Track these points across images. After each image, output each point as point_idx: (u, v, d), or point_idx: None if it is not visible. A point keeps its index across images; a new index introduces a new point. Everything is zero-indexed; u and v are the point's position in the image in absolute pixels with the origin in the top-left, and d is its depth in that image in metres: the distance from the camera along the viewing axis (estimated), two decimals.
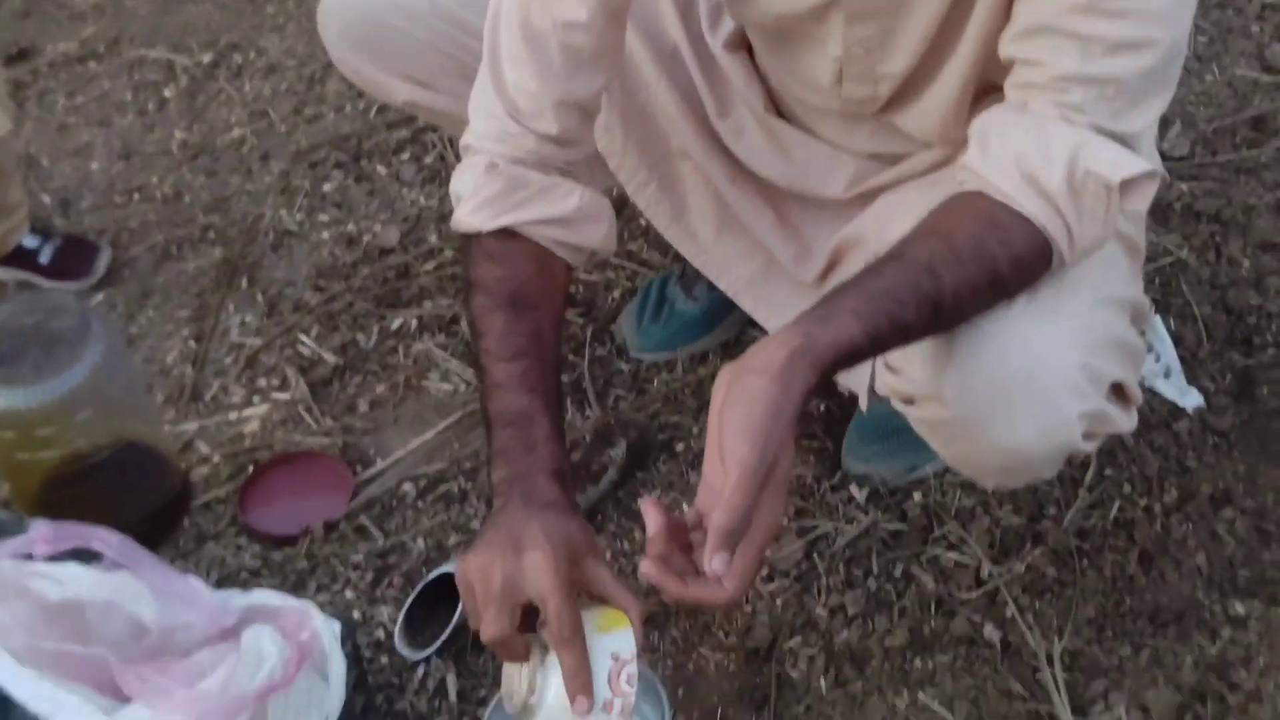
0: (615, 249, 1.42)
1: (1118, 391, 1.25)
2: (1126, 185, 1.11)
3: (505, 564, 1.07)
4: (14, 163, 1.98)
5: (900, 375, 1.25)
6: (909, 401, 1.25)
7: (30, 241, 1.97)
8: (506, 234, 1.30)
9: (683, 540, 1.05)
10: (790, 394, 1.00)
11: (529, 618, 1.09)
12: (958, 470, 1.39)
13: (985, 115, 1.18)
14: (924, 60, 1.29)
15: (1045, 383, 1.17)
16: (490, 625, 1.06)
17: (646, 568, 1.01)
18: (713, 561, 0.97)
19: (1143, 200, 1.13)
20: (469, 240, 1.32)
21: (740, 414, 0.99)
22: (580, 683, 1.05)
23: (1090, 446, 1.23)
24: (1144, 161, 1.11)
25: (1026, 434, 1.18)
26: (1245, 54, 2.24)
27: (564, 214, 1.29)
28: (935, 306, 1.09)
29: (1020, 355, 1.16)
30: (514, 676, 1.09)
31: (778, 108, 1.53)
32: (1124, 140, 1.11)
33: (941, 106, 1.32)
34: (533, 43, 1.26)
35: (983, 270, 1.11)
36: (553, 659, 1.06)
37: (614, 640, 1.07)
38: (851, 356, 1.06)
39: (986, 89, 1.29)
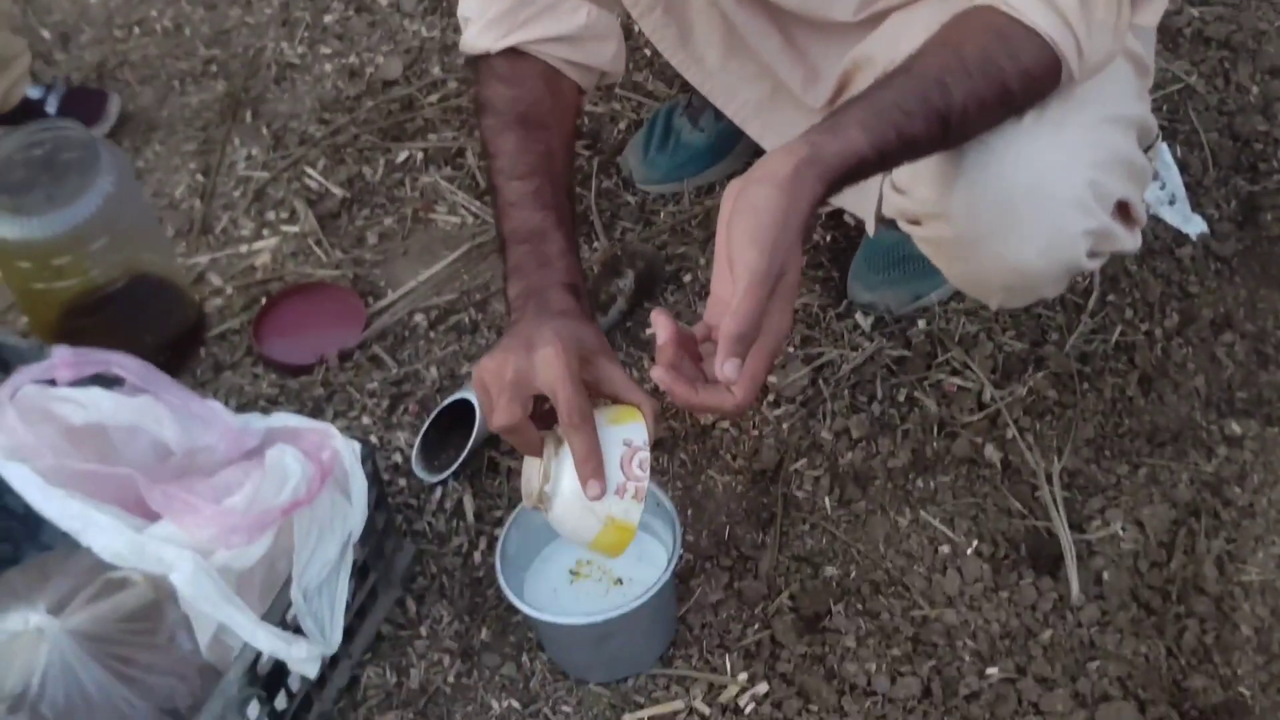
0: (623, 71, 1.41)
1: (1123, 210, 1.24)
2: None
3: (517, 359, 1.09)
4: (8, 4, 1.93)
5: (907, 195, 1.25)
6: (915, 222, 1.25)
7: (34, 93, 1.92)
8: (514, 54, 1.29)
9: (692, 351, 1.07)
10: (797, 203, 1.00)
11: (547, 417, 1.11)
12: (963, 290, 1.39)
13: None
14: None
15: (1051, 200, 1.16)
16: (502, 413, 1.09)
17: (658, 373, 1.03)
18: (724, 366, 0.98)
19: (1153, 14, 1.12)
20: (478, 62, 1.30)
21: (748, 223, 0.99)
22: (591, 467, 1.08)
23: (1094, 265, 1.23)
24: None
25: (1031, 251, 1.18)
26: None
27: (570, 31, 1.29)
28: (943, 120, 1.08)
29: (1026, 172, 1.16)
30: (531, 470, 1.11)
31: None
32: None
33: None
34: None
35: (991, 84, 1.10)
36: (566, 450, 1.08)
37: (626, 430, 1.10)
38: (859, 169, 1.05)
39: None
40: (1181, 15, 1.94)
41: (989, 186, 1.16)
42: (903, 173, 1.24)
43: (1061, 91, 1.15)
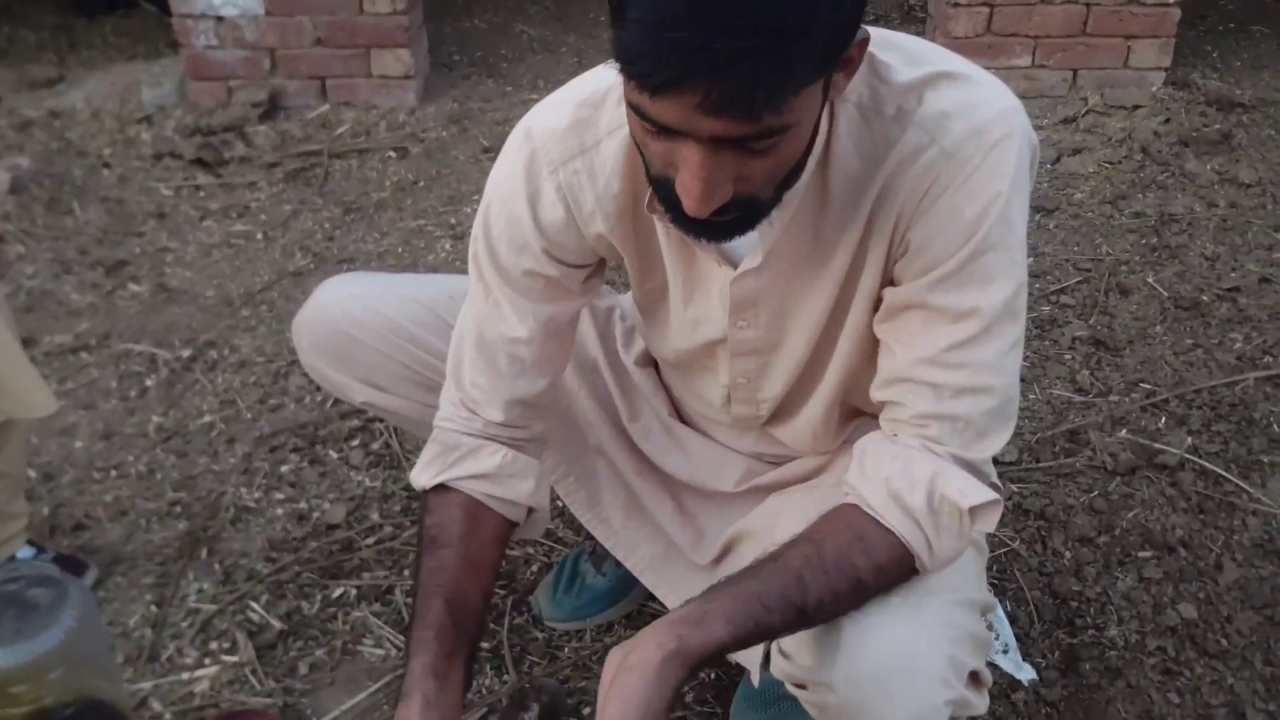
0: (548, 504, 1.46)
1: (973, 678, 1.31)
2: (975, 510, 1.19)
3: None
4: (24, 468, 1.95)
5: (794, 662, 1.29)
6: (800, 686, 1.29)
7: (24, 553, 1.91)
8: (443, 489, 1.39)
9: None
10: (662, 690, 1.09)
11: None
12: None
13: (864, 440, 1.27)
14: (795, 388, 1.40)
15: (918, 675, 1.21)
16: None
17: None
18: None
19: (988, 523, 1.20)
20: (423, 500, 1.40)
21: (617, 709, 1.08)
22: None
23: None
24: (990, 491, 1.19)
25: (901, 719, 1.22)
26: (1060, 377, 2.41)
27: (488, 470, 1.38)
28: (799, 611, 1.17)
29: (897, 651, 1.21)
30: None
31: (680, 414, 1.63)
32: (975, 466, 1.20)
33: (812, 424, 1.43)
34: (484, 351, 1.38)
35: (845, 579, 1.18)
36: None
37: None
38: (719, 653, 1.15)
39: (852, 413, 1.40)
40: (1004, 491, 2.09)
41: (865, 664, 1.21)
42: (789, 643, 1.30)
43: (918, 579, 1.23)
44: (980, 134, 1.15)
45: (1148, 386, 2.37)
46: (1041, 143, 3.24)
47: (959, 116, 1.15)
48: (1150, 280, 2.71)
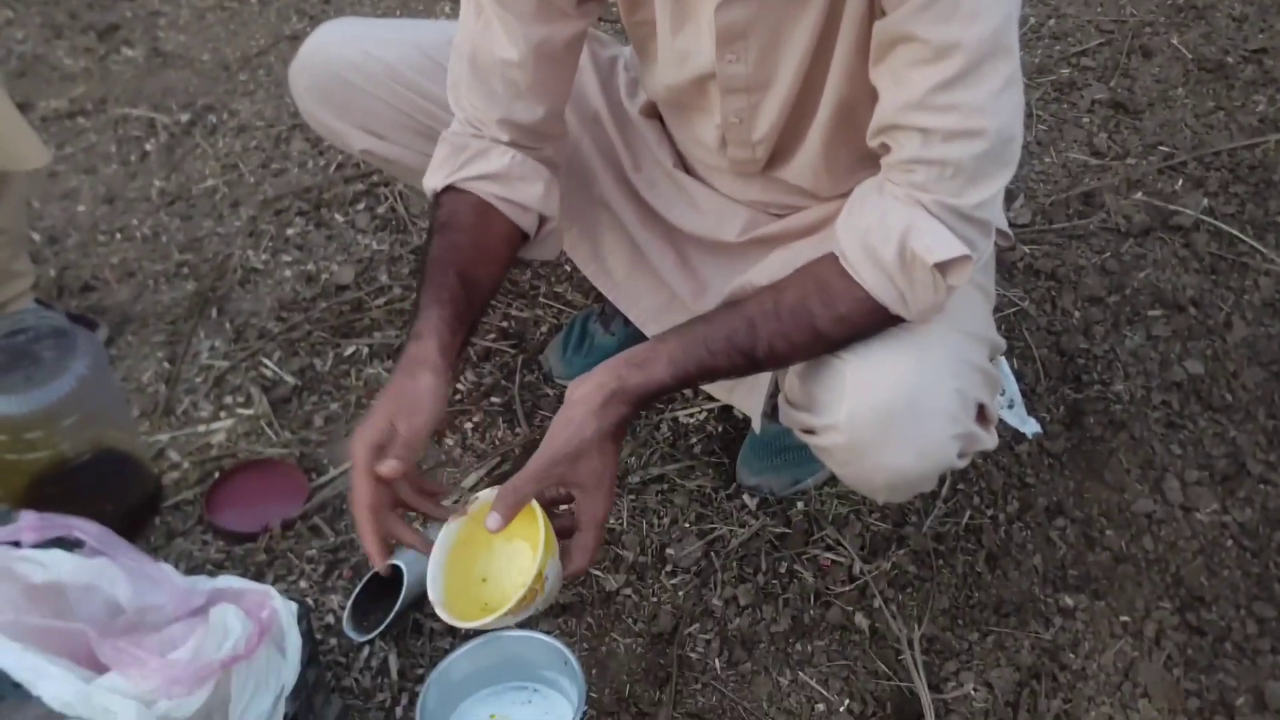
0: (556, 213, 1.42)
1: (980, 412, 1.30)
2: (944, 266, 1.15)
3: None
4: (25, 225, 1.90)
5: (802, 411, 1.28)
6: (810, 431, 1.29)
7: None
8: (454, 190, 1.36)
9: None
10: (600, 424, 1.17)
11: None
12: (852, 488, 1.42)
13: (859, 187, 1.23)
14: (789, 127, 1.34)
15: (924, 411, 1.20)
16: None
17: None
18: (488, 520, 1.15)
19: (959, 278, 1.17)
20: (434, 202, 1.37)
21: (558, 432, 1.18)
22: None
23: (963, 463, 1.27)
24: (960, 246, 1.14)
25: (910, 456, 1.22)
26: (1077, 140, 2.33)
27: (496, 170, 1.35)
28: (747, 355, 1.20)
29: (903, 389, 1.20)
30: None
31: (684, 165, 1.57)
32: (964, 213, 1.15)
33: (812, 163, 1.37)
34: (478, 74, 1.33)
35: (801, 327, 1.20)
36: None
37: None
38: (660, 393, 1.21)
39: (865, 157, 1.34)
40: (1015, 252, 2.05)
41: (871, 402, 1.20)
42: (796, 391, 1.30)
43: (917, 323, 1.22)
44: None
45: (1166, 149, 2.29)
46: None
47: None
48: (1174, 42, 2.58)
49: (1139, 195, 2.17)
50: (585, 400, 1.18)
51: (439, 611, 1.15)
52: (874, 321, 1.20)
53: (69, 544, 1.26)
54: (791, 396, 1.31)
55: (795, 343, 1.21)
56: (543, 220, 1.41)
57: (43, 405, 1.44)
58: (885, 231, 1.15)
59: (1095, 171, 2.25)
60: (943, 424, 1.22)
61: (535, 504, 1.16)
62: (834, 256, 1.20)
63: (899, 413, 1.20)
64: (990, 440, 1.30)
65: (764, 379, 1.47)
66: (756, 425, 1.49)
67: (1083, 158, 2.28)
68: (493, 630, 1.22)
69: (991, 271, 1.48)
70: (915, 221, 1.14)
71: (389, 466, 1.16)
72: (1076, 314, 1.95)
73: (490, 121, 1.34)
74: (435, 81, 1.46)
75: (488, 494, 1.19)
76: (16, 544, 1.25)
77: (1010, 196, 2.18)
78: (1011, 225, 2.09)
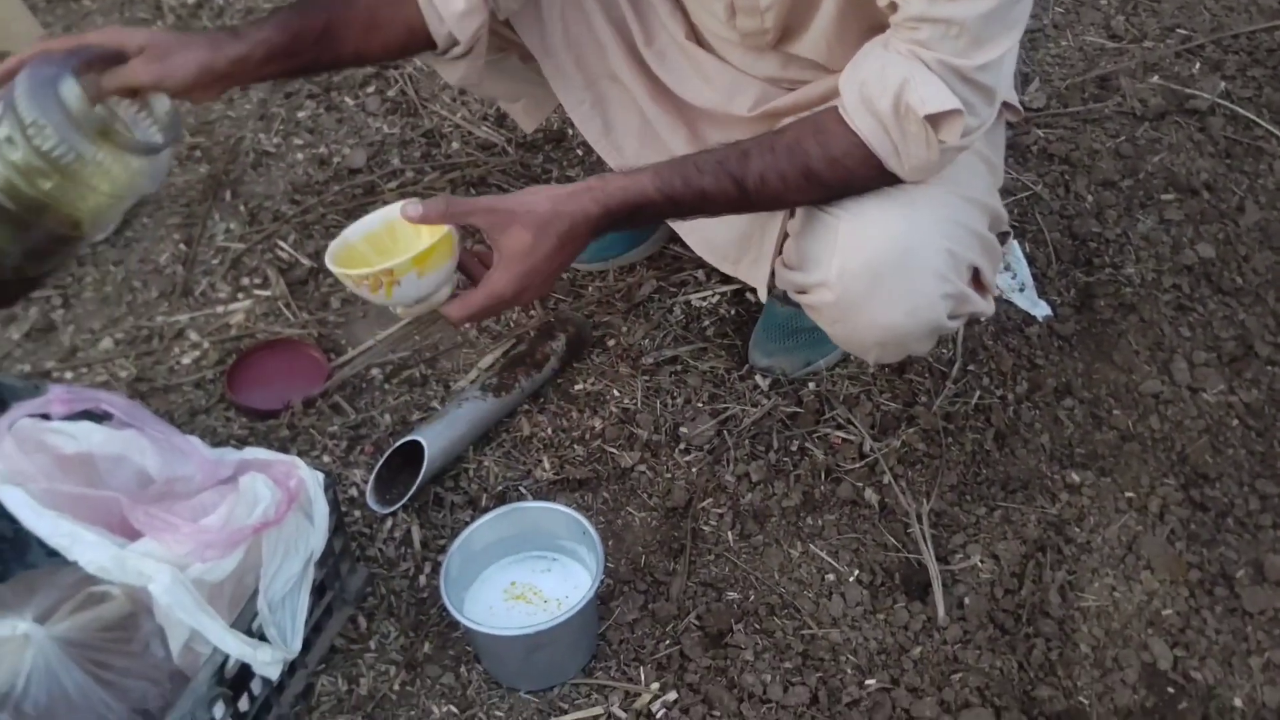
0: (468, 43, 1.38)
1: (976, 277, 1.30)
2: (935, 118, 1.14)
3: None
4: None
5: (795, 271, 1.30)
6: (802, 291, 1.30)
7: None
8: None
9: None
10: (558, 205, 1.16)
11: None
12: (843, 348, 1.44)
13: (866, 44, 1.22)
14: None
15: (913, 268, 1.21)
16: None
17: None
18: (404, 206, 1.15)
19: (950, 134, 1.16)
20: None
21: (520, 194, 1.18)
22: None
23: (955, 325, 1.29)
24: (953, 100, 1.13)
25: (899, 313, 1.23)
26: (1094, 24, 2.28)
27: None
28: (736, 181, 1.19)
29: (892, 245, 1.21)
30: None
31: (697, 37, 1.55)
32: (966, 74, 1.14)
33: (826, 36, 1.35)
34: None
35: (793, 163, 1.19)
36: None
37: None
38: (644, 204, 1.18)
39: (873, 26, 1.32)
40: (1029, 135, 2.03)
41: (860, 258, 1.22)
42: (791, 253, 1.30)
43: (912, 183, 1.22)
44: None
45: (1184, 32, 2.25)
46: None
47: None
48: None
49: (1155, 79, 2.14)
50: (557, 189, 1.18)
51: (328, 259, 1.21)
52: (867, 171, 1.20)
53: (97, 416, 1.28)
54: (788, 258, 1.32)
55: (787, 179, 1.20)
56: (453, 43, 1.37)
57: None
58: (883, 83, 1.15)
59: (1112, 55, 2.21)
60: (932, 281, 1.22)
61: (454, 231, 1.16)
62: (835, 107, 1.20)
63: (888, 269, 1.21)
64: (985, 306, 1.31)
65: (768, 250, 1.47)
66: (762, 295, 1.50)
67: (1099, 41, 2.24)
68: (350, 290, 1.21)
69: (1000, 147, 1.47)
70: (913, 75, 1.14)
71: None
72: (1089, 198, 1.94)
73: None
74: None
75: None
76: (46, 416, 1.27)
77: (1025, 80, 2.15)
78: (1026, 109, 2.07)
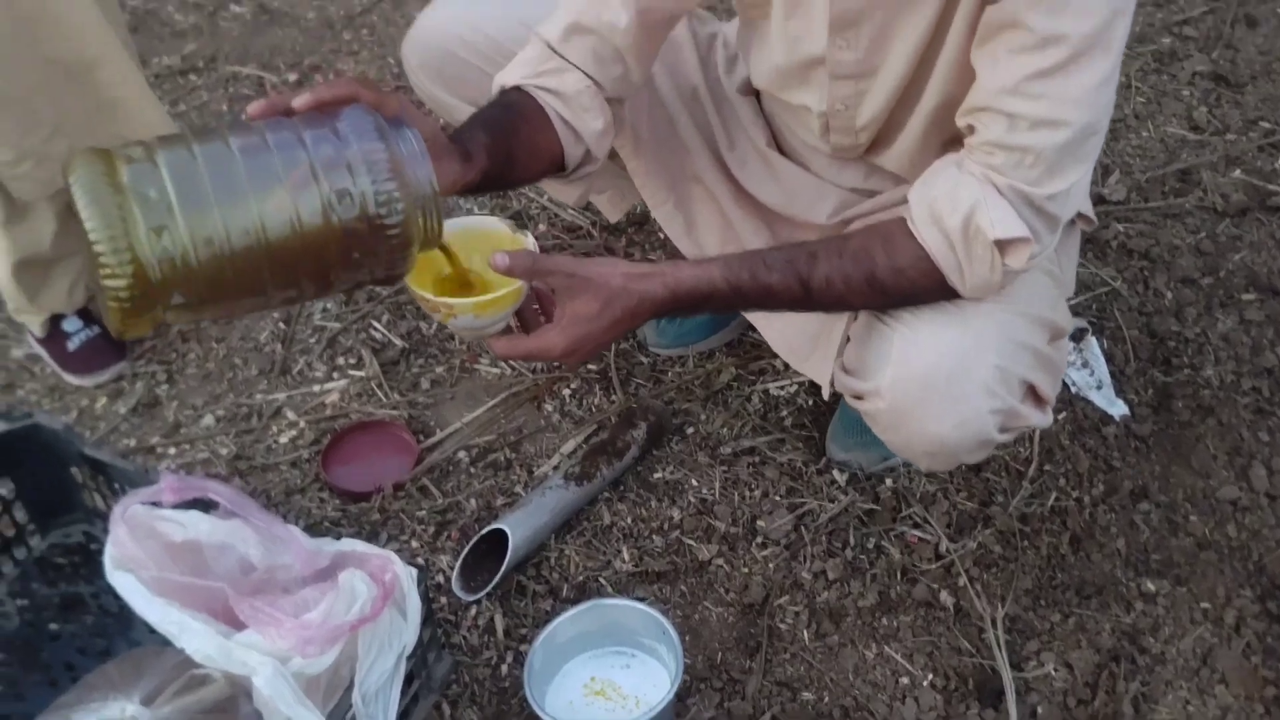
0: (600, 157, 1.43)
1: (1032, 392, 1.32)
2: (1003, 244, 1.17)
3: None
4: None
5: (852, 376, 1.34)
6: (858, 397, 1.33)
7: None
8: (521, 91, 1.38)
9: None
10: (630, 284, 1.20)
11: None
12: (897, 454, 1.46)
13: (939, 160, 1.26)
14: (893, 116, 1.36)
15: (963, 382, 1.24)
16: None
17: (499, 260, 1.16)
18: (495, 258, 1.16)
19: (1017, 259, 1.19)
20: (499, 92, 1.39)
21: (595, 262, 1.21)
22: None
23: (1006, 438, 1.31)
24: (1022, 228, 1.16)
25: (947, 426, 1.26)
26: (1176, 115, 2.30)
27: (566, 90, 1.37)
28: (803, 282, 1.22)
29: (943, 357, 1.24)
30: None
31: (779, 144, 1.59)
32: (1035, 202, 1.17)
33: (910, 151, 1.39)
34: (581, 26, 1.37)
35: (859, 268, 1.22)
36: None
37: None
38: (711, 294, 1.22)
39: (955, 140, 1.35)
40: (1109, 230, 2.04)
41: (912, 370, 1.25)
42: (851, 355, 1.34)
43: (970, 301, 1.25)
44: None
45: (1267, 125, 2.25)
46: None
47: None
48: None
49: (1237, 173, 2.14)
50: (629, 268, 1.21)
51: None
52: (930, 284, 1.23)
53: (205, 505, 1.34)
54: (847, 361, 1.36)
55: (851, 283, 1.23)
56: (585, 159, 1.42)
57: None
58: (954, 202, 1.18)
59: (1193, 147, 2.22)
60: (981, 397, 1.25)
61: (526, 285, 1.20)
62: (903, 218, 1.24)
63: (938, 383, 1.24)
64: (1041, 420, 1.33)
65: (832, 350, 1.49)
66: (825, 392, 1.52)
67: (1181, 132, 2.25)
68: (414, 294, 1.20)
69: (1073, 257, 1.49)
70: (985, 199, 1.17)
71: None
72: (1169, 295, 1.94)
73: (576, 59, 1.37)
74: None
75: (498, 224, 1.25)
76: (157, 504, 1.34)
77: (1105, 172, 2.16)
78: (1105, 202, 2.09)
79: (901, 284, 1.23)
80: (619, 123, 1.47)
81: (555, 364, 1.76)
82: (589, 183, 1.49)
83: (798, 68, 1.37)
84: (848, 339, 1.40)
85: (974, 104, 1.19)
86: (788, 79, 1.42)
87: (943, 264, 1.20)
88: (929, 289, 1.24)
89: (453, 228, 1.22)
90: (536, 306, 1.27)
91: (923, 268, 1.22)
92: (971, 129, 1.20)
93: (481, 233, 1.26)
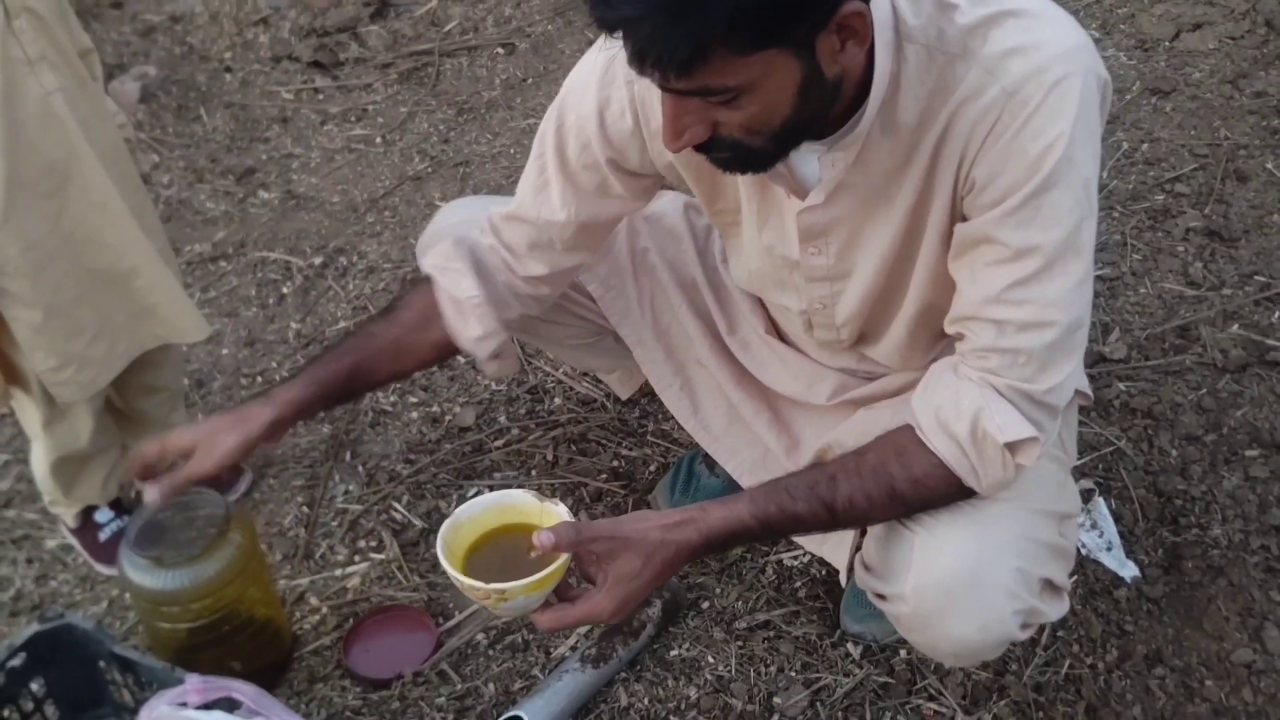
0: (490, 353, 1.56)
1: (1049, 585, 1.35)
2: (1013, 445, 1.22)
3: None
4: (182, 383, 2.09)
5: (874, 575, 1.37)
6: (880, 597, 1.37)
7: None
8: (428, 281, 1.55)
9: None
10: (666, 535, 1.26)
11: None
12: (920, 651, 1.48)
13: (934, 365, 1.32)
14: (873, 315, 1.44)
15: (985, 587, 1.28)
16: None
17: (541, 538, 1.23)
18: (539, 536, 1.22)
19: (1027, 457, 1.24)
20: (415, 273, 1.55)
21: (629, 520, 1.28)
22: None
23: (1026, 635, 1.34)
24: (1029, 428, 1.22)
25: (971, 629, 1.29)
26: (1172, 270, 2.36)
27: (459, 295, 1.51)
28: (827, 506, 1.27)
29: (964, 564, 1.28)
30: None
31: (778, 332, 1.67)
32: (1034, 397, 1.23)
33: (898, 347, 1.46)
34: (521, 216, 1.52)
35: (879, 484, 1.27)
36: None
37: None
38: (740, 531, 1.27)
39: (942, 333, 1.42)
40: (1112, 389, 2.09)
41: (934, 576, 1.29)
42: (871, 554, 1.38)
43: (985, 498, 1.29)
44: (1040, 73, 1.15)
45: (1263, 279, 2.31)
46: (1159, 17, 3.11)
47: (1020, 55, 1.15)
48: (1270, 166, 2.61)
49: (1235, 328, 2.20)
50: (661, 520, 1.27)
51: (439, 542, 1.28)
52: (948, 488, 1.27)
53: (229, 704, 1.39)
54: (867, 556, 1.40)
55: (873, 499, 1.28)
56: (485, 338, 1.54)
57: (203, 579, 1.56)
58: (958, 409, 1.23)
59: (1191, 303, 2.27)
60: (1003, 601, 1.28)
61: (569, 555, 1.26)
62: (909, 427, 1.28)
63: (960, 589, 1.28)
64: (1058, 611, 1.36)
65: (849, 537, 1.54)
66: (843, 579, 1.57)
67: (1178, 288, 2.31)
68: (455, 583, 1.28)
69: (1073, 429, 1.54)
70: (987, 403, 1.22)
71: (151, 493, 1.44)
72: (1174, 453, 1.98)
73: (510, 239, 1.53)
74: None
75: (525, 496, 1.33)
76: (184, 704, 1.38)
77: (1105, 330, 2.22)
78: (1106, 360, 2.14)
79: (921, 493, 1.28)
80: (616, 311, 1.58)
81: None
82: (502, 367, 1.60)
83: (773, 271, 1.45)
84: (864, 530, 1.45)
85: (961, 313, 1.25)
86: (766, 282, 1.50)
87: (958, 469, 1.25)
88: (947, 494, 1.28)
89: (481, 506, 1.33)
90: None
91: (939, 474, 1.26)
92: (962, 335, 1.26)
93: (508, 506, 1.34)
